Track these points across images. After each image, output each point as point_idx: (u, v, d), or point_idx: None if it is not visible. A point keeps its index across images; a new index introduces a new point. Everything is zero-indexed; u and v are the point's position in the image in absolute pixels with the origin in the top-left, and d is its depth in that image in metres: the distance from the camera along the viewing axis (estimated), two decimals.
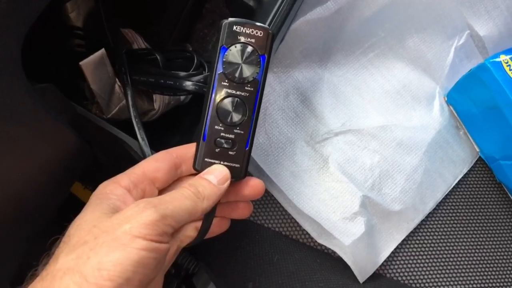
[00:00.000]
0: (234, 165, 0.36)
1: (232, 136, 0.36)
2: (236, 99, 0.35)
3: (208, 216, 0.36)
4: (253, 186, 0.38)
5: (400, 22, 0.63)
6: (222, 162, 0.36)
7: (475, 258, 0.58)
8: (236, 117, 0.35)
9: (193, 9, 0.56)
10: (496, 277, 0.58)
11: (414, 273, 0.56)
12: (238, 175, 0.36)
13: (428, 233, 0.58)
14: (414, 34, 0.64)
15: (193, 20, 0.61)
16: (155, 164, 0.35)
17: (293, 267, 0.53)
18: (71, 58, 0.48)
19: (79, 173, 0.42)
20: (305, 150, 0.58)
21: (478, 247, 0.59)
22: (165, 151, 0.36)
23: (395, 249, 0.57)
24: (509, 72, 0.56)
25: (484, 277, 0.57)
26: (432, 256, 0.57)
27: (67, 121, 0.36)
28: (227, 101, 0.35)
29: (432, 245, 0.58)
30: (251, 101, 0.35)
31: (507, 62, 0.56)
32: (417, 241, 0.58)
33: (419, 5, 0.63)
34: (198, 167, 0.36)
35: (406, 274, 0.56)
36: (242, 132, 0.36)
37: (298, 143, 0.58)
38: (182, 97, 0.52)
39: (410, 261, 0.57)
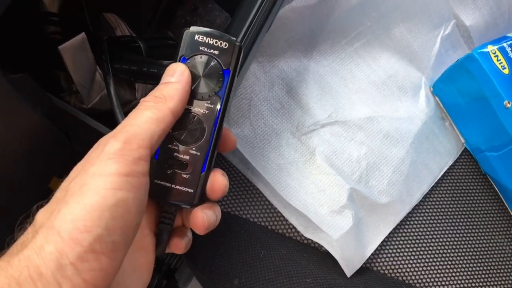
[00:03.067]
0: (186, 189, 0.31)
1: (186, 157, 0.31)
2: (194, 116, 0.31)
3: (164, 227, 0.33)
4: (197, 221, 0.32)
5: (387, 11, 0.62)
6: (173, 186, 0.31)
7: (461, 250, 0.58)
8: (192, 137, 0.31)
9: None
10: (482, 267, 0.58)
11: (401, 266, 0.56)
12: (189, 202, 0.32)
13: (415, 226, 0.58)
14: (400, 24, 0.63)
15: (174, 6, 0.59)
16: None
17: (279, 262, 0.51)
18: (46, 46, 0.46)
19: (57, 167, 0.40)
20: (291, 142, 0.56)
21: (464, 238, 0.58)
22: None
23: (382, 242, 0.56)
24: (496, 63, 0.55)
25: (470, 268, 0.57)
26: (419, 249, 0.57)
27: (43, 113, 0.34)
28: (183, 118, 0.31)
29: (419, 237, 0.57)
30: (210, 120, 0.31)
31: (494, 53, 0.56)
32: (404, 234, 0.57)
33: None
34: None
35: (393, 267, 0.55)
36: (198, 153, 0.31)
37: (284, 135, 0.56)
38: None
39: (397, 254, 0.56)
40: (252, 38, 0.45)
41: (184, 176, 0.31)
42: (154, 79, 0.44)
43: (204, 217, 0.31)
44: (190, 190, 0.32)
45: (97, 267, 0.24)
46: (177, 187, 0.31)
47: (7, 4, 0.28)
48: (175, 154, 0.31)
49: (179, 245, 0.33)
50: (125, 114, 0.39)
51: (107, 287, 0.25)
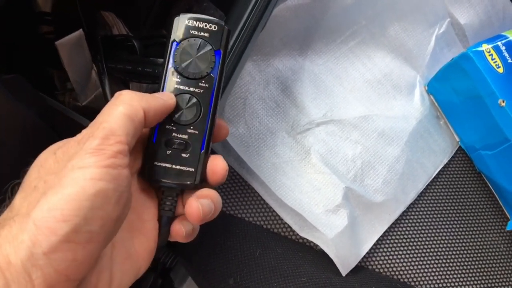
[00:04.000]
0: (187, 169, 0.32)
1: (185, 136, 0.32)
2: (189, 96, 0.32)
3: (165, 213, 0.32)
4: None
5: (382, 10, 0.62)
6: (174, 166, 0.32)
7: (455, 248, 0.58)
8: (189, 116, 0.32)
9: None
10: (476, 265, 0.58)
11: (396, 265, 0.56)
12: (191, 181, 0.32)
13: (409, 224, 0.58)
14: (395, 22, 0.63)
15: (168, 4, 0.58)
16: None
17: (275, 261, 0.51)
18: (39, 45, 0.46)
19: None
20: (287, 141, 0.56)
21: (459, 236, 0.59)
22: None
23: (376, 241, 0.56)
24: (491, 62, 0.55)
25: (465, 266, 0.57)
26: (413, 247, 0.57)
27: (36, 114, 0.34)
28: (179, 99, 0.32)
29: (413, 236, 0.58)
30: (205, 99, 0.32)
31: (489, 51, 0.56)
32: (399, 233, 0.57)
33: None
34: (147, 174, 0.32)
35: (387, 265, 0.56)
36: (196, 132, 0.32)
37: (279, 134, 0.56)
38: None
39: (392, 253, 0.56)
40: (247, 37, 0.45)
41: (184, 155, 0.32)
42: (148, 78, 0.44)
43: (199, 207, 0.31)
44: (191, 169, 0.32)
45: (71, 257, 0.23)
46: (178, 167, 0.32)
47: (0, 5, 0.28)
48: (173, 134, 0.32)
49: (179, 232, 0.32)
50: None
51: (81, 278, 0.25)
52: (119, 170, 0.26)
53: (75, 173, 0.24)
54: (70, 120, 0.39)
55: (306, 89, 0.59)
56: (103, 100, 0.44)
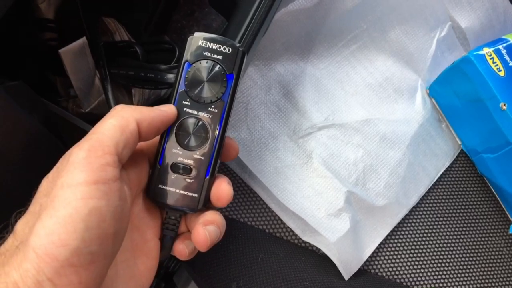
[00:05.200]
0: (191, 194, 0.32)
1: (190, 161, 0.32)
2: (198, 120, 0.31)
3: (168, 233, 0.33)
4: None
5: (383, 14, 0.62)
6: (177, 190, 0.32)
7: (458, 251, 0.58)
8: (196, 141, 0.32)
9: None
10: (479, 269, 0.58)
11: (399, 268, 0.56)
12: (193, 207, 0.32)
13: (412, 228, 0.58)
14: (396, 26, 0.63)
15: (170, 10, 0.59)
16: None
17: (277, 265, 0.51)
18: (42, 52, 0.46)
19: None
20: (288, 145, 0.57)
21: (461, 240, 0.59)
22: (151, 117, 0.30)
23: (379, 244, 0.56)
24: (492, 65, 0.55)
25: (468, 270, 0.57)
26: (416, 251, 0.57)
27: (39, 120, 0.34)
28: (187, 123, 0.31)
29: (416, 239, 0.58)
30: (214, 124, 0.32)
31: (490, 55, 0.56)
32: (401, 236, 0.57)
33: None
34: (151, 194, 0.32)
35: (390, 269, 0.56)
36: (202, 158, 0.32)
37: (281, 138, 0.56)
38: (162, 92, 0.50)
39: (394, 257, 0.56)
40: (249, 42, 0.45)
41: (188, 180, 0.32)
42: (151, 84, 0.44)
43: (206, 235, 0.31)
44: (194, 195, 0.32)
45: (76, 281, 0.23)
46: (181, 191, 0.32)
47: (4, 11, 0.28)
48: (179, 158, 0.32)
49: (182, 252, 0.33)
50: None
51: None
52: (110, 184, 0.25)
53: (65, 193, 0.24)
54: (74, 126, 0.40)
55: (307, 93, 0.59)
56: (106, 107, 0.44)
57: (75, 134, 0.41)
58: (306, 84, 0.59)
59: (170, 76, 0.42)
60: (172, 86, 0.40)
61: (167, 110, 0.31)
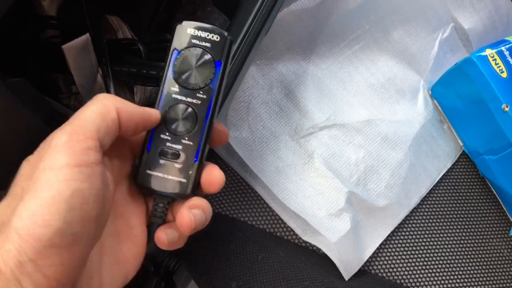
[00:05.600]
0: (179, 179, 0.32)
1: (179, 147, 0.32)
2: (187, 106, 0.32)
3: (156, 220, 0.33)
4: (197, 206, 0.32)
5: (385, 14, 0.62)
6: (166, 176, 0.32)
7: (459, 253, 0.58)
8: (184, 126, 0.32)
9: None
10: (480, 270, 0.58)
11: (399, 269, 0.56)
12: (182, 192, 0.32)
13: (413, 229, 0.58)
14: (399, 27, 0.63)
15: (173, 9, 0.59)
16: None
17: (278, 265, 0.51)
18: (44, 49, 0.46)
19: None
20: (290, 145, 0.56)
21: (462, 241, 0.59)
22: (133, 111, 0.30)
23: (379, 245, 0.56)
24: (494, 66, 0.55)
25: (468, 271, 0.57)
26: (416, 252, 0.57)
27: (41, 118, 0.34)
28: (176, 109, 0.32)
29: (416, 240, 0.58)
30: (203, 110, 0.32)
31: (492, 56, 0.56)
32: (402, 237, 0.57)
33: None
34: (139, 180, 0.32)
35: (390, 270, 0.55)
36: (191, 143, 0.32)
37: (282, 138, 0.56)
38: None
39: (395, 257, 0.56)
40: (251, 41, 0.45)
41: (177, 165, 0.32)
42: (153, 81, 0.44)
43: (190, 218, 0.31)
44: (183, 180, 0.32)
45: (58, 262, 0.23)
46: (170, 177, 0.32)
47: (6, 8, 0.28)
48: (167, 144, 0.32)
49: (161, 239, 0.32)
50: None
51: (72, 281, 0.25)
52: (92, 167, 0.25)
53: (48, 175, 0.24)
54: None
55: (309, 93, 0.59)
56: None
57: None
58: (308, 84, 0.59)
59: None
60: None
61: (151, 112, 0.31)
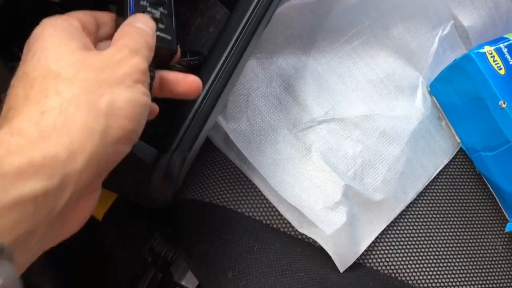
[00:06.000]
0: (165, 36, 0.35)
1: (158, 13, 0.35)
2: None
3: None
4: (190, 82, 0.36)
5: (386, 11, 0.62)
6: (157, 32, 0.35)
7: (454, 248, 0.58)
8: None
9: None
10: (474, 266, 0.58)
11: (394, 263, 0.56)
12: (171, 46, 0.35)
13: (408, 223, 0.58)
14: (399, 23, 0.63)
15: (175, 2, 0.59)
16: (87, 16, 0.32)
17: (273, 256, 0.52)
18: None
19: None
20: (288, 138, 0.57)
21: (457, 236, 0.59)
22: (83, 11, 0.33)
23: (375, 239, 0.56)
24: (493, 64, 0.56)
25: (463, 266, 0.58)
26: (412, 246, 0.57)
27: None
28: None
29: (412, 235, 0.58)
30: None
31: (491, 53, 0.56)
32: (397, 231, 0.58)
33: None
34: None
35: (385, 263, 0.56)
36: (166, 11, 0.36)
37: (280, 131, 0.57)
38: None
39: (390, 251, 0.57)
40: (250, 33, 0.46)
41: (160, 26, 0.35)
42: None
43: (196, 78, 0.36)
44: (168, 37, 0.35)
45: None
46: (158, 33, 0.34)
47: None
48: (148, 9, 0.35)
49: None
50: None
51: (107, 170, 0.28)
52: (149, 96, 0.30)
53: (129, 81, 0.27)
54: None
55: (308, 88, 0.59)
56: None
57: None
58: (307, 78, 0.60)
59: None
60: None
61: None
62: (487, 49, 0.56)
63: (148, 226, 0.71)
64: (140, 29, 0.31)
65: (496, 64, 0.56)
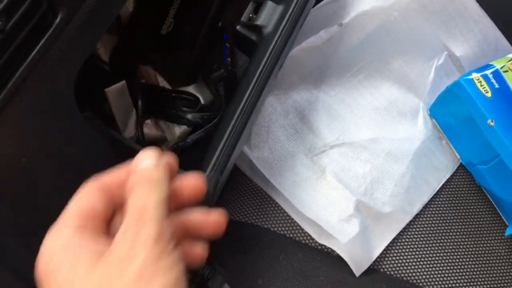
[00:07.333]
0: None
1: None
2: None
3: None
4: (192, 184, 0.31)
5: (385, 47, 0.71)
6: None
7: (458, 252, 0.65)
8: None
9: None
10: (478, 268, 0.64)
11: (404, 267, 0.63)
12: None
13: (416, 232, 0.66)
14: (398, 57, 0.72)
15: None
16: (101, 205, 0.28)
17: (297, 264, 0.60)
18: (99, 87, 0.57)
19: None
20: (305, 162, 0.66)
21: (461, 244, 0.66)
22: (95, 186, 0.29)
23: (386, 246, 0.64)
24: (480, 88, 0.64)
25: (467, 268, 0.64)
26: (421, 252, 0.64)
27: (110, 146, 0.44)
28: None
29: (420, 242, 0.65)
30: None
31: (478, 79, 0.64)
32: (406, 239, 0.65)
33: (400, 31, 0.71)
34: None
35: (397, 268, 0.63)
36: None
37: (298, 156, 0.66)
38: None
39: (400, 257, 0.64)
40: (267, 74, 0.54)
41: None
42: (175, 119, 0.56)
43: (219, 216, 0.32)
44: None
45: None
46: None
47: (84, 59, 0.38)
48: None
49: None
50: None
51: None
52: (177, 251, 0.26)
53: (147, 276, 0.24)
54: (131, 149, 0.49)
55: (321, 117, 0.68)
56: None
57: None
58: (319, 109, 0.69)
59: (189, 116, 0.55)
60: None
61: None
62: (474, 75, 0.64)
63: None
64: (145, 177, 0.28)
65: (483, 88, 0.64)
